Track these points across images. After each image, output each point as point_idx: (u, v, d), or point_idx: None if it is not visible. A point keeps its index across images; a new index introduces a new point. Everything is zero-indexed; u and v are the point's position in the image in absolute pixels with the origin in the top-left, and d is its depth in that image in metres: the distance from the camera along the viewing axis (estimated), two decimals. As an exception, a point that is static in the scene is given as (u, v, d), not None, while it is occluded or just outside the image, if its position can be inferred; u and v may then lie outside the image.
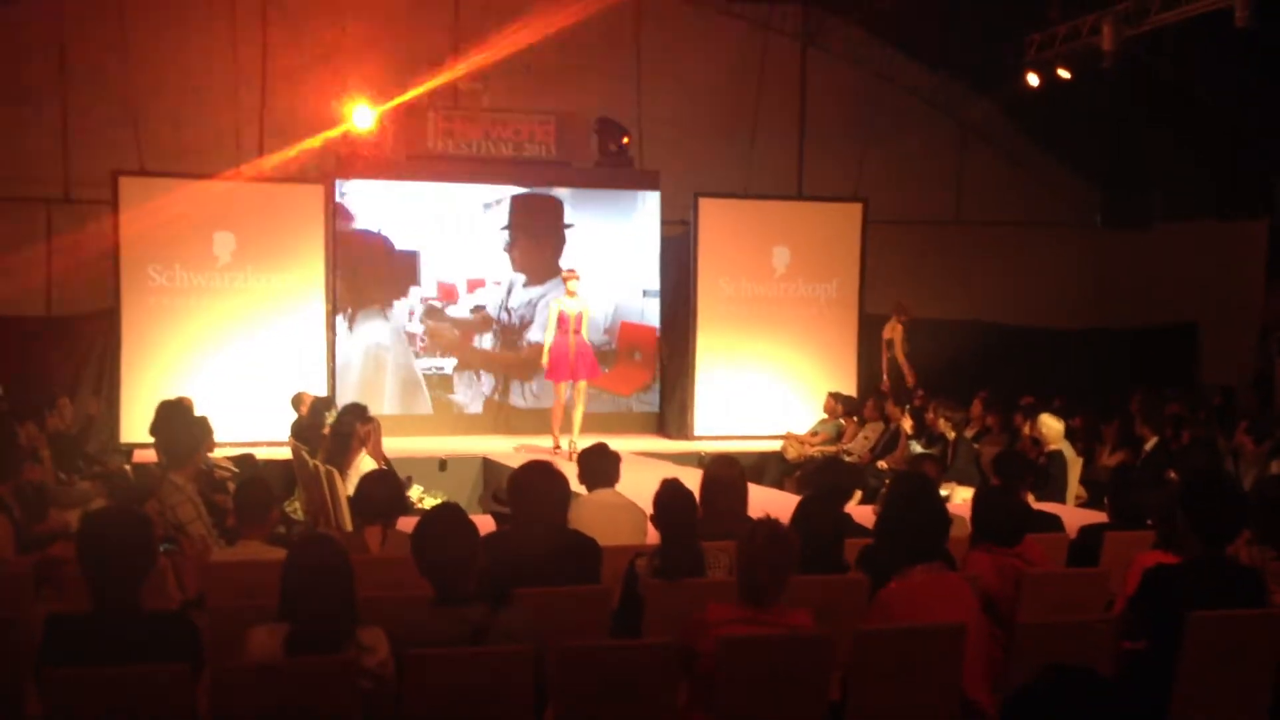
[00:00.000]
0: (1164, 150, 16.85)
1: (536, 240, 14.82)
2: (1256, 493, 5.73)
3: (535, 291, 14.83)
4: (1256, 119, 14.92)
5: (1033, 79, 15.26)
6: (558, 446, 12.36)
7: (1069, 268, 17.98)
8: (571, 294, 12.23)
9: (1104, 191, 18.52)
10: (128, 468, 11.65)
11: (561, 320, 12.20)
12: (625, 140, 14.80)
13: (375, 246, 14.34)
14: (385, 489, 5.82)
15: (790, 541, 4.23)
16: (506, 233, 14.74)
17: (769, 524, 4.29)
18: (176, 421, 8.86)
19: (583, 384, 12.47)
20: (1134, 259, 17.80)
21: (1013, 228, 17.73)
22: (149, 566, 3.99)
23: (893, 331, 15.22)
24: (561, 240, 14.89)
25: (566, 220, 14.90)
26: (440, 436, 14.09)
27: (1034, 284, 17.73)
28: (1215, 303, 16.69)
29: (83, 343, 14.38)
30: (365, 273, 14.29)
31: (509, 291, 14.82)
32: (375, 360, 14.38)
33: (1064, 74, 14.86)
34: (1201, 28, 13.30)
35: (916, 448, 12.18)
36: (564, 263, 14.30)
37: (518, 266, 14.81)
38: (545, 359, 12.31)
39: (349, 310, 14.22)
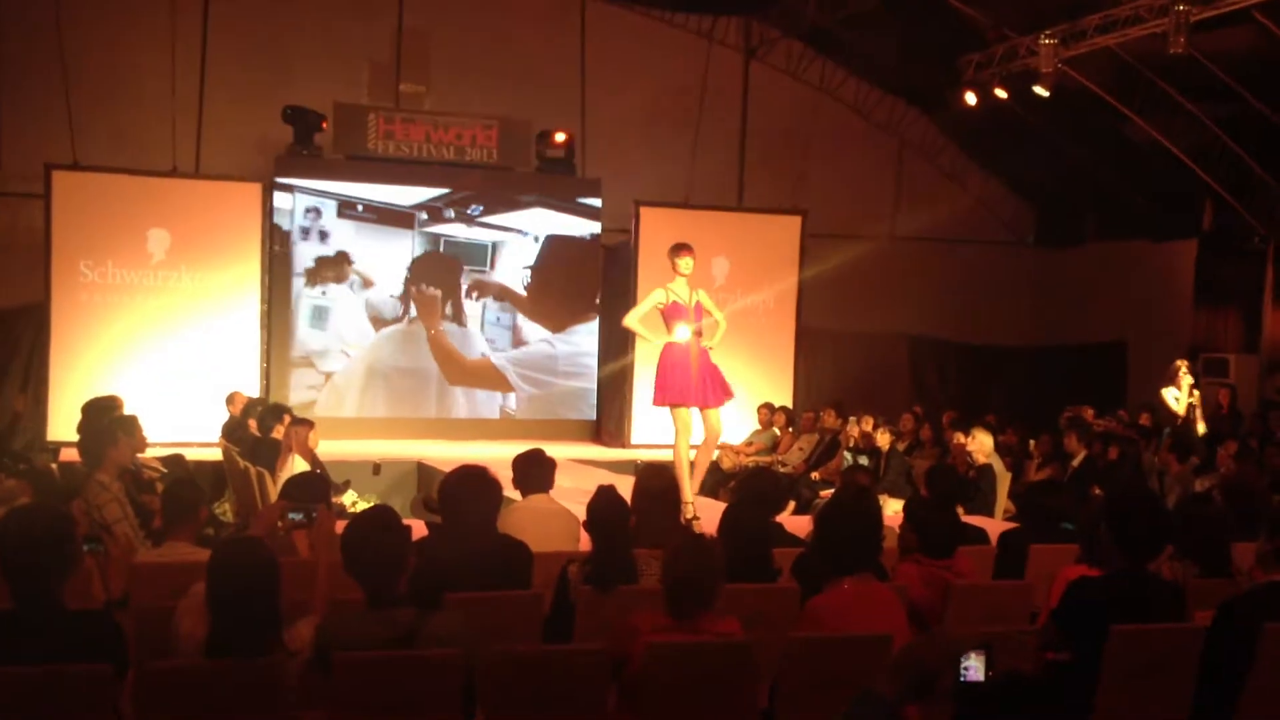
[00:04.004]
0: (1097, 171, 17.14)
1: (569, 286, 14.94)
2: (1180, 510, 5.83)
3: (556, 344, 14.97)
4: (1186, 142, 15.22)
5: (970, 98, 15.46)
6: (689, 509, 8.15)
7: (1003, 285, 18.24)
8: (684, 276, 8.52)
9: (1038, 210, 18.81)
10: (54, 466, 11.45)
11: (674, 313, 8.50)
12: (565, 139, 14.77)
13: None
14: (309, 492, 5.76)
15: (715, 560, 4.20)
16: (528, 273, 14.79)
17: (692, 545, 4.25)
18: (96, 421, 8.74)
19: (715, 412, 8.55)
20: (1067, 277, 18.09)
21: (948, 244, 17.94)
22: (71, 565, 3.93)
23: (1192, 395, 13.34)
24: (597, 287, 15.05)
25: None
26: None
27: (968, 300, 17.96)
28: (1145, 322, 16.99)
29: (10, 338, 14.16)
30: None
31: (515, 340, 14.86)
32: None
33: (1001, 94, 15.08)
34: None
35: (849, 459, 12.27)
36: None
37: (533, 314, 14.85)
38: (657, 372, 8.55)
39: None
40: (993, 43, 15.01)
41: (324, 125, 13.91)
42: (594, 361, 15.09)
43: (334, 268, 14.17)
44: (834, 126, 17.11)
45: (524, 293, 14.84)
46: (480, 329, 14.76)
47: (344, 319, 14.28)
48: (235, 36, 14.56)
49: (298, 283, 14.08)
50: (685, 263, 8.52)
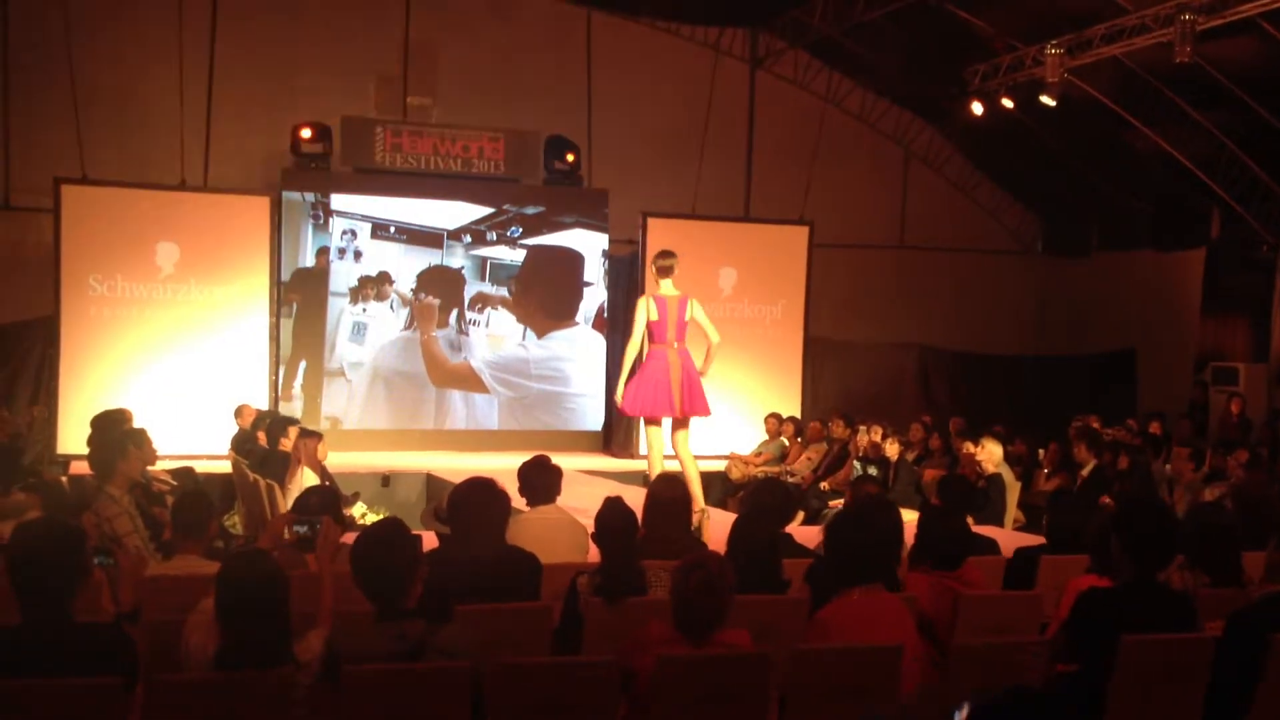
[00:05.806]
0: (1104, 180, 17.13)
1: (550, 292, 14.98)
2: (1190, 519, 5.81)
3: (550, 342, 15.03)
4: (1192, 151, 15.21)
5: (977, 108, 15.46)
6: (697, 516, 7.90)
7: (1010, 294, 18.23)
8: (667, 280, 8.61)
9: (1045, 220, 18.80)
10: (64, 479, 11.46)
11: (659, 323, 8.50)
12: (570, 157, 14.81)
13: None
14: (320, 505, 5.76)
15: (724, 581, 4.14)
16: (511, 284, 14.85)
17: (702, 568, 4.17)
18: (105, 434, 8.76)
19: (685, 430, 8.62)
20: (1074, 287, 18.08)
21: (955, 254, 17.94)
22: (81, 579, 3.94)
23: None
24: (578, 295, 15.06)
25: (588, 278, 15.08)
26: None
27: (976, 309, 17.96)
28: (1152, 331, 16.97)
29: (20, 351, 14.19)
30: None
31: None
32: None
33: (1007, 104, 15.08)
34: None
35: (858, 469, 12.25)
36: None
37: (523, 318, 14.90)
38: (623, 382, 8.74)
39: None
40: (999, 53, 15.02)
41: (301, 135, 13.85)
42: (568, 367, 15.11)
43: (376, 286, 14.35)
44: (840, 137, 17.13)
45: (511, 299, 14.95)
46: (521, 341, 14.94)
47: (381, 335, 14.45)
48: (243, 50, 14.60)
49: (334, 300, 14.21)
50: (667, 266, 8.70)
